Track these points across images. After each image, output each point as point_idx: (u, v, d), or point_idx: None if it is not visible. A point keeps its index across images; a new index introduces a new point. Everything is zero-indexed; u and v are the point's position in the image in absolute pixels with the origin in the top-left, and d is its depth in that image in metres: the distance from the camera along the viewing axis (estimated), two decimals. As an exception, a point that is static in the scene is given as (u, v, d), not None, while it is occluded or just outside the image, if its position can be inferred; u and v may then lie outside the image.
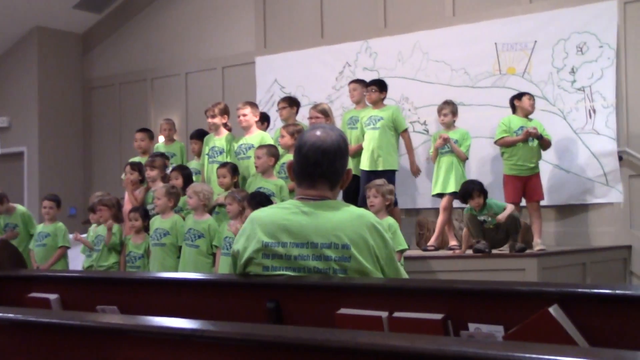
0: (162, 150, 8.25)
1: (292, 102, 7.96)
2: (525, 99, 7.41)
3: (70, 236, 7.72)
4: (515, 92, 7.78)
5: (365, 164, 7.71)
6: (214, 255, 6.72)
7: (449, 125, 7.70)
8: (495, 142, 7.47)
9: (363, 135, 7.82)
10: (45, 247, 7.68)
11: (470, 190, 6.88)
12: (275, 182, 6.86)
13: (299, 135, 6.84)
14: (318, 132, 2.80)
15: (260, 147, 7.01)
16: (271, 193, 6.70)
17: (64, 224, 7.98)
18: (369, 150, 7.66)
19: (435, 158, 7.65)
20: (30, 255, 7.77)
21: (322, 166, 2.73)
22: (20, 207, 8.23)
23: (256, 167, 6.95)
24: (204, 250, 6.69)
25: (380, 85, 7.95)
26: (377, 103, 7.88)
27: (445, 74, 8.88)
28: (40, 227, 7.83)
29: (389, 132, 7.74)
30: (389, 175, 7.52)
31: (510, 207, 6.82)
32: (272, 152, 6.92)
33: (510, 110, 7.57)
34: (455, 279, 6.61)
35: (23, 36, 12.14)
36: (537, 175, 7.34)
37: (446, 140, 7.47)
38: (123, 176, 8.00)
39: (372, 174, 7.49)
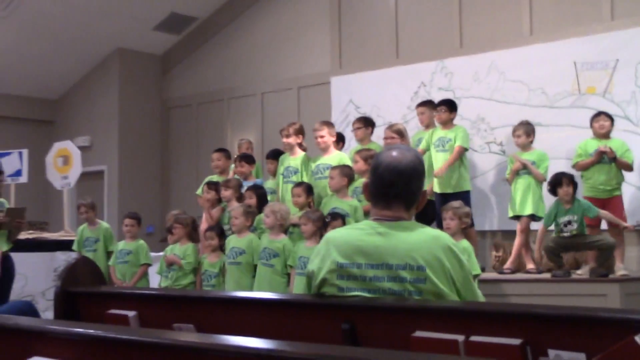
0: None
1: (367, 123, 7.96)
2: (594, 122, 7.28)
3: (154, 254, 7.83)
4: (594, 112, 7.61)
5: (437, 187, 7.63)
6: (288, 275, 6.74)
7: (524, 147, 7.57)
8: (573, 167, 7.32)
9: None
10: (127, 264, 7.81)
11: (560, 178, 6.81)
12: (349, 203, 6.85)
13: (373, 159, 6.85)
14: (394, 153, 2.78)
15: (334, 167, 7.01)
16: (346, 213, 6.69)
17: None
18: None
19: (512, 180, 7.53)
20: (110, 271, 7.95)
21: (398, 187, 2.71)
22: (103, 223, 8.44)
23: (330, 186, 6.96)
24: (279, 269, 6.71)
25: (450, 105, 7.90)
26: (447, 123, 7.82)
27: (523, 93, 8.74)
28: (121, 245, 7.98)
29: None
30: (463, 196, 7.45)
31: (606, 213, 6.70)
32: (345, 172, 6.91)
33: (591, 131, 7.41)
34: (532, 302, 6.48)
35: (105, 58, 12.51)
36: (618, 197, 7.14)
37: (523, 165, 7.37)
38: (199, 191, 8.11)
39: (446, 196, 7.41)
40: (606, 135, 7.25)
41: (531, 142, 7.59)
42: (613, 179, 7.11)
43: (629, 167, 7.18)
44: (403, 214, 2.74)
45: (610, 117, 7.33)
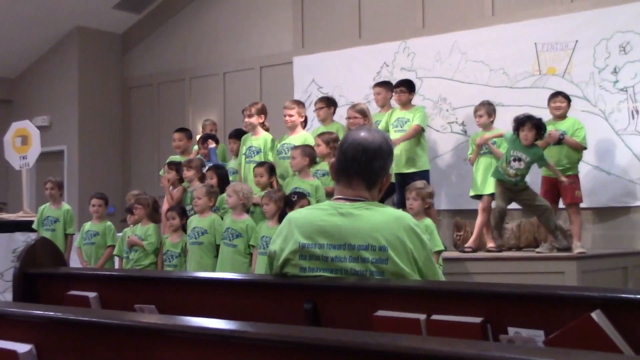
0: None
1: (329, 102, 7.94)
2: (550, 102, 7.31)
3: (118, 235, 7.78)
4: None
5: (394, 166, 7.65)
6: (251, 254, 6.73)
7: (486, 126, 7.62)
8: None
9: None
10: (94, 245, 7.75)
11: (524, 120, 6.76)
12: (311, 182, 6.86)
13: (334, 146, 6.85)
14: (362, 133, 2.81)
15: (295, 147, 7.00)
16: (307, 193, 6.70)
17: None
18: (398, 153, 7.56)
19: (474, 161, 7.59)
20: (77, 253, 7.89)
21: (360, 163, 2.72)
22: (65, 205, 8.34)
23: (291, 166, 6.96)
24: (242, 249, 6.70)
25: (409, 86, 7.90)
26: (406, 104, 7.83)
27: (484, 74, 8.80)
28: (88, 226, 7.89)
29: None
30: (423, 175, 7.50)
31: (552, 165, 6.76)
32: (307, 152, 6.91)
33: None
34: (492, 281, 6.55)
35: (64, 36, 12.31)
36: (573, 176, 7.19)
37: (483, 143, 7.42)
38: (161, 172, 8.05)
39: (403, 176, 7.45)
40: (562, 116, 7.29)
41: (492, 122, 7.64)
42: (564, 159, 7.15)
43: (579, 146, 7.18)
44: (364, 193, 2.74)
45: (567, 98, 7.37)
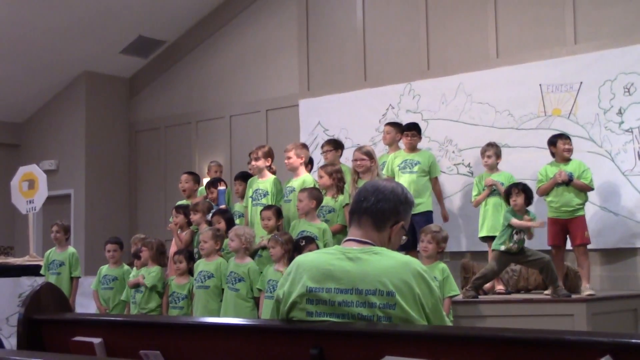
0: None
1: (337, 145, 7.96)
2: (559, 144, 7.27)
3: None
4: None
5: None
6: (254, 299, 6.70)
7: (492, 168, 7.63)
8: (537, 193, 7.37)
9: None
10: (113, 290, 7.75)
11: (510, 188, 6.89)
12: (318, 226, 6.83)
13: (337, 177, 6.84)
14: (382, 181, 2.89)
15: (302, 190, 6.99)
16: (314, 236, 6.67)
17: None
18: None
19: (479, 203, 7.58)
20: (94, 296, 7.89)
21: (369, 201, 2.75)
22: (70, 248, 8.35)
23: (298, 209, 6.94)
24: (244, 293, 6.68)
25: (419, 130, 7.99)
26: (414, 148, 7.91)
27: (490, 115, 8.83)
28: (105, 269, 7.87)
29: (425, 176, 7.78)
30: (429, 216, 7.57)
31: (537, 223, 6.71)
32: (313, 195, 6.89)
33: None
34: (502, 323, 6.50)
35: (71, 81, 12.43)
36: (581, 218, 7.17)
37: (492, 185, 7.43)
38: (171, 219, 8.05)
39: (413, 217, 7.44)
40: (567, 158, 7.28)
41: (497, 163, 7.66)
42: (575, 199, 7.15)
43: (587, 188, 7.18)
44: (372, 234, 2.74)
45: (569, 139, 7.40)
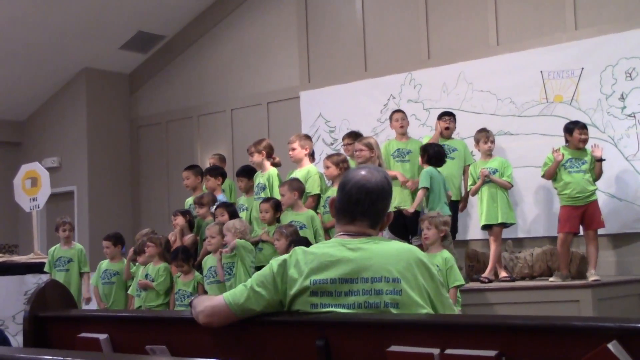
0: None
1: (357, 137, 7.82)
2: (575, 132, 7.16)
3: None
4: (562, 120, 7.67)
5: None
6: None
7: (488, 154, 7.59)
8: (543, 177, 7.34)
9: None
10: (114, 285, 7.77)
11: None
12: (305, 214, 6.91)
13: (344, 167, 6.84)
14: (363, 172, 2.80)
15: (282, 184, 7.07)
16: (302, 225, 6.72)
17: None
18: (450, 180, 7.65)
19: (476, 193, 7.56)
20: (94, 292, 7.92)
21: (364, 205, 2.74)
22: (78, 244, 8.37)
23: (282, 203, 6.99)
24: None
25: (454, 117, 8.06)
26: (450, 135, 8.00)
27: (491, 103, 8.81)
28: (105, 264, 7.90)
29: (462, 163, 7.87)
30: (457, 205, 7.75)
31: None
32: (294, 186, 6.95)
33: (558, 139, 7.45)
34: (507, 311, 6.50)
35: (72, 78, 12.41)
36: (595, 202, 7.16)
37: (486, 177, 7.41)
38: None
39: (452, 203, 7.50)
40: (579, 148, 7.21)
41: (491, 149, 7.67)
42: (590, 186, 7.11)
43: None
44: (367, 230, 2.75)
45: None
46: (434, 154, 7.20)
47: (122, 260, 7.91)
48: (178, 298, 7.07)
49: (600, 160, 7.12)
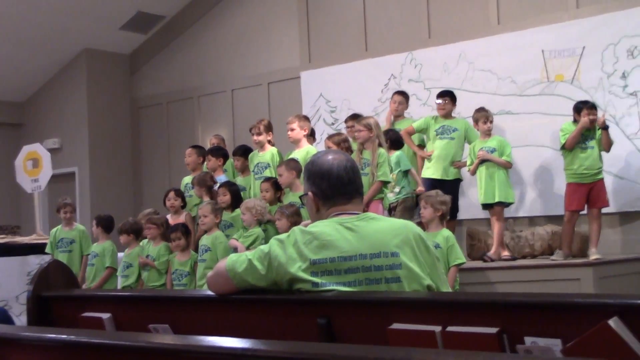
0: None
1: None
2: (584, 113, 7.07)
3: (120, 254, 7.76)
4: (563, 100, 7.66)
5: (435, 173, 7.69)
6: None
7: (487, 133, 7.57)
8: (562, 149, 7.23)
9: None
10: (94, 267, 7.72)
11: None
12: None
13: (345, 147, 6.82)
14: (332, 155, 2.91)
15: (279, 165, 7.05)
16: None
17: (114, 243, 7.92)
18: (444, 159, 7.74)
19: (474, 172, 7.55)
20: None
21: (356, 182, 2.85)
22: (79, 225, 8.38)
23: (280, 184, 6.98)
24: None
25: (452, 97, 8.02)
26: (448, 115, 7.95)
27: (492, 83, 8.79)
28: (92, 247, 7.93)
29: (462, 142, 7.86)
30: (457, 184, 7.84)
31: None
32: (291, 166, 6.91)
33: (560, 117, 7.43)
34: (508, 289, 6.52)
35: (72, 59, 12.38)
36: (602, 181, 7.17)
37: (483, 158, 7.39)
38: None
39: (441, 183, 7.46)
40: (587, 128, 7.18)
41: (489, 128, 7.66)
42: (597, 163, 7.11)
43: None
44: (361, 206, 2.86)
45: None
46: (395, 140, 7.64)
47: (105, 242, 7.76)
48: (175, 278, 7.05)
49: (605, 127, 7.08)
